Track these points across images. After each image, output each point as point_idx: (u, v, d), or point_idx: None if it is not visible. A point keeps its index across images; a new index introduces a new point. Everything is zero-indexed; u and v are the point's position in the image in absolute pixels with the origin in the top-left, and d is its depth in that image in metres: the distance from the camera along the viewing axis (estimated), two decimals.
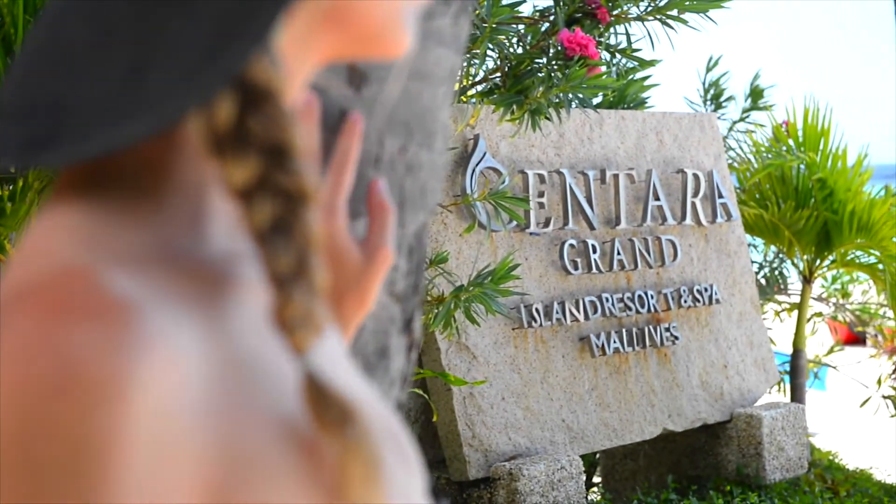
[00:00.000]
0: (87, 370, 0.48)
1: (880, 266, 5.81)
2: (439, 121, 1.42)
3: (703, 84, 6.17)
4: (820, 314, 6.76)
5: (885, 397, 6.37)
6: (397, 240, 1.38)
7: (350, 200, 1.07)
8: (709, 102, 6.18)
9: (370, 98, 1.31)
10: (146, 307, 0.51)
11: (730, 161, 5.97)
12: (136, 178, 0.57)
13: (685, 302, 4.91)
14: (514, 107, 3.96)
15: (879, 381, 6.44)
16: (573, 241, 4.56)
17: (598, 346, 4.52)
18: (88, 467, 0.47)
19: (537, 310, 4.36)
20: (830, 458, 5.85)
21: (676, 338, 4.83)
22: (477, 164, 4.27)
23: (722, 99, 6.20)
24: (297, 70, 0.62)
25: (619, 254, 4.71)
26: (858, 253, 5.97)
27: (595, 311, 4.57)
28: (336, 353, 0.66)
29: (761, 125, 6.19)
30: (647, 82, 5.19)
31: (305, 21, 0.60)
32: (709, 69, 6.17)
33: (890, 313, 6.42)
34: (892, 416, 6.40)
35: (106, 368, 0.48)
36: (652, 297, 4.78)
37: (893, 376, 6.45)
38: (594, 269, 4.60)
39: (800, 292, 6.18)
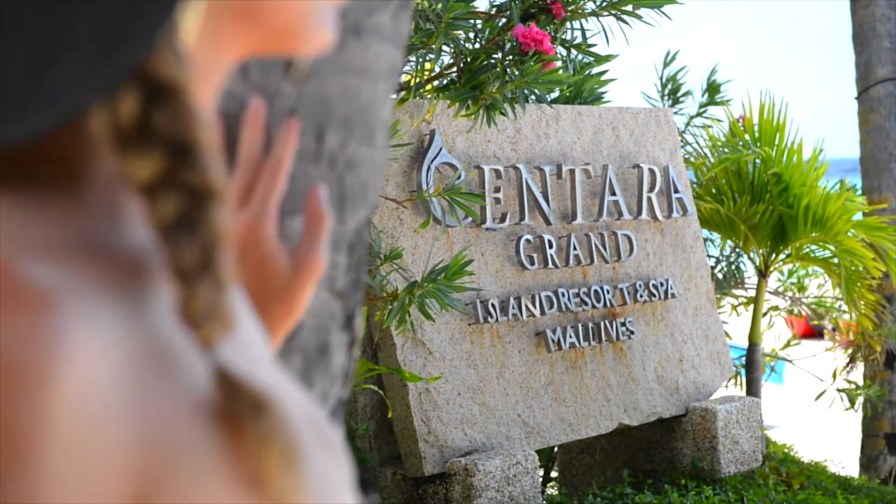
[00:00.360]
0: (6, 360, 0.47)
1: (835, 260, 5.86)
2: (380, 117, 1.41)
3: (661, 79, 6.19)
4: (776, 308, 6.81)
5: (839, 390, 6.43)
6: (337, 237, 1.37)
7: (288, 196, 1.06)
8: (666, 98, 6.20)
9: (309, 94, 1.31)
10: (66, 297, 0.50)
11: (686, 156, 6.01)
12: (52, 171, 0.57)
13: (641, 296, 4.93)
14: (470, 102, 3.96)
15: (834, 375, 6.51)
16: (529, 237, 4.57)
17: (553, 341, 4.53)
18: (9, 460, 0.47)
19: (493, 305, 4.36)
20: (786, 451, 5.90)
21: (632, 332, 4.84)
22: (433, 160, 4.27)
23: (679, 94, 6.22)
24: (211, 66, 0.61)
25: (575, 249, 4.72)
26: (814, 247, 6.02)
27: (551, 306, 4.57)
28: (252, 345, 0.66)
29: (718, 120, 6.23)
30: (603, 77, 5.21)
31: (216, 17, 0.60)
32: (666, 64, 6.19)
33: (845, 307, 6.48)
34: (847, 410, 6.47)
35: (26, 358, 0.47)
36: (608, 291, 4.80)
37: (848, 369, 6.51)
38: (550, 265, 4.61)
39: (755, 286, 6.22)
